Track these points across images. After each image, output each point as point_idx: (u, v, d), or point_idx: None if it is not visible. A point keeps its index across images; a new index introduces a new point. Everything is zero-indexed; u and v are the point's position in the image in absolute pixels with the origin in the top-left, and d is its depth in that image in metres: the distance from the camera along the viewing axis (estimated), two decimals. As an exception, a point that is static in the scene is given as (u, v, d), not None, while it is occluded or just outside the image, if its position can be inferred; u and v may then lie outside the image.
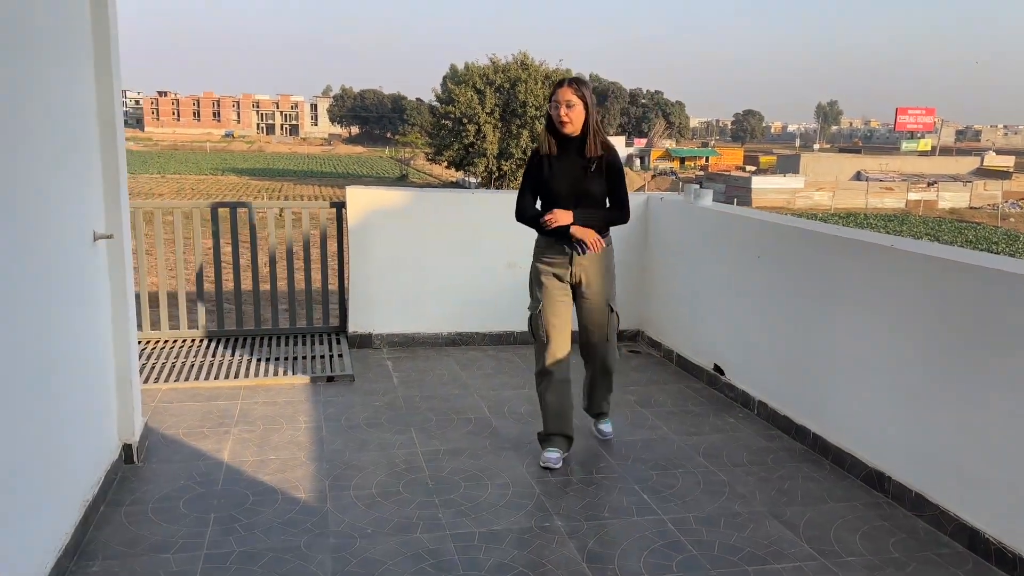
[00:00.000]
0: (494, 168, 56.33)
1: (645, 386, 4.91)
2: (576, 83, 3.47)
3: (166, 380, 4.54)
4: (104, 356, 3.20)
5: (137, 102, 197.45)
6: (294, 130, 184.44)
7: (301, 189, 59.79)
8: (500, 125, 56.34)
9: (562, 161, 3.51)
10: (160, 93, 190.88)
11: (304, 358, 5.07)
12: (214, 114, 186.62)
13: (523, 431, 4.04)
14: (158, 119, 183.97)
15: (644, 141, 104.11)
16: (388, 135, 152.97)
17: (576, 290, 3.70)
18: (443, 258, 5.51)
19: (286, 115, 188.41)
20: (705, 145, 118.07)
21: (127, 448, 3.38)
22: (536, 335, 3.67)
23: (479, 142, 55.66)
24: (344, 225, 5.49)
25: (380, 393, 4.56)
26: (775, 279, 4.30)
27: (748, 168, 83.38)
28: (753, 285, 4.50)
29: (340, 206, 5.47)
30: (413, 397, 4.51)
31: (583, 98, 3.45)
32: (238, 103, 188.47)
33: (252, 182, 65.65)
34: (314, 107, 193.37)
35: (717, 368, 4.88)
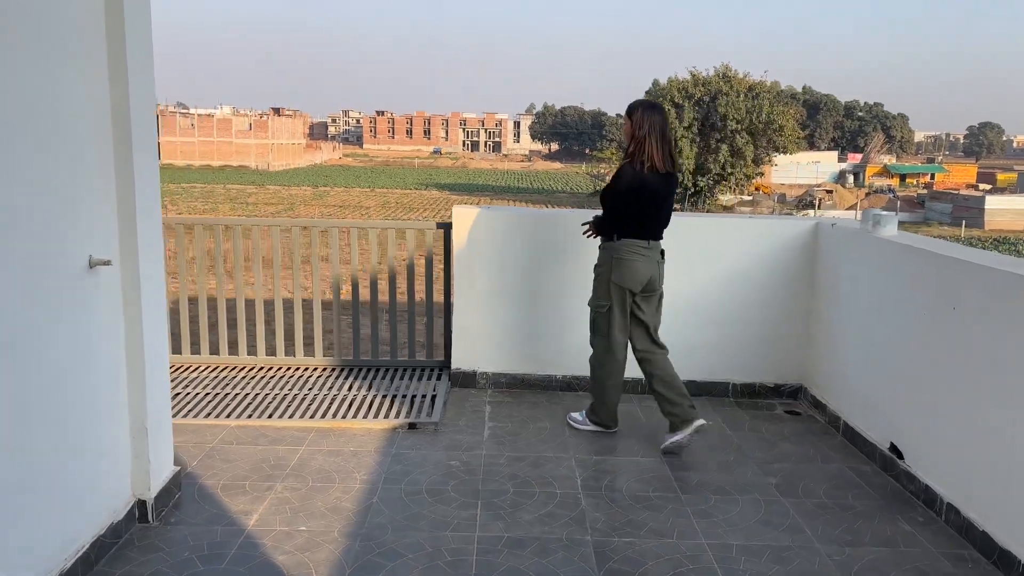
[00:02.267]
0: (689, 184, 54.44)
1: (795, 463, 3.87)
2: (628, 112, 4.00)
3: (238, 416, 4.17)
4: (108, 400, 2.79)
5: (358, 121, 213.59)
6: (497, 147, 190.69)
7: (497, 203, 61.14)
8: (698, 139, 54.39)
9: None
10: (378, 113, 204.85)
11: (395, 397, 4.53)
12: (425, 132, 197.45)
13: (614, 519, 3.21)
14: (375, 137, 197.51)
15: (859, 157, 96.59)
16: (587, 151, 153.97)
17: None
18: (562, 288, 4.77)
19: (490, 132, 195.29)
20: (931, 161, 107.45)
21: (141, 505, 2.97)
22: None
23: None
24: (451, 248, 4.92)
25: (462, 448, 3.90)
26: (979, 339, 3.14)
27: (982, 186, 74.63)
28: (948, 345, 3.35)
29: (447, 227, 4.90)
30: (498, 458, 3.80)
31: (633, 124, 3.95)
32: (447, 121, 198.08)
33: (452, 197, 68.15)
34: (517, 124, 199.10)
35: (894, 448, 3.74)
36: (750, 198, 59.98)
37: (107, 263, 2.63)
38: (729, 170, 53.21)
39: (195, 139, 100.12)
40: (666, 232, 4.05)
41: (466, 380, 4.84)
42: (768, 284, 4.81)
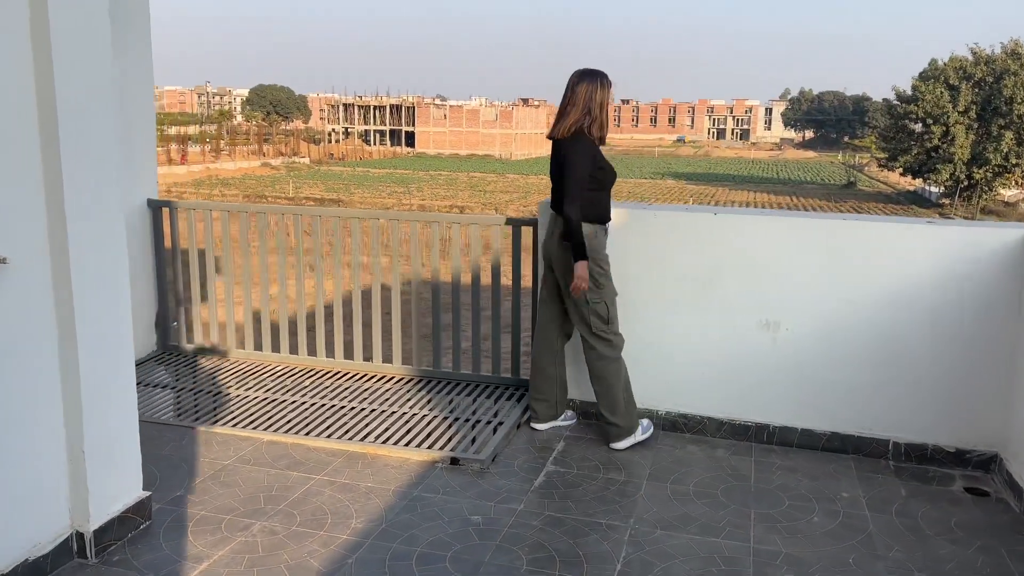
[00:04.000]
0: (962, 176, 48.06)
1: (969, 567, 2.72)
2: None
3: (276, 428, 3.79)
4: (38, 418, 2.47)
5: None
6: (745, 135, 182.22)
7: (732, 195, 58.12)
8: (975, 126, 47.75)
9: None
10: (623, 101, 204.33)
11: (459, 420, 3.92)
12: (670, 120, 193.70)
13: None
14: (618, 125, 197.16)
15: None
16: (845, 139, 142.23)
17: None
18: (661, 306, 3.87)
19: (738, 120, 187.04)
20: None
21: (80, 538, 2.63)
22: (618, 331, 3.69)
23: (945, 145, 47.93)
24: (521, 251, 4.20)
25: (498, 498, 3.20)
26: None
27: None
28: None
29: (518, 224, 4.18)
30: (535, 517, 3.06)
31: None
32: (693, 109, 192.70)
33: (688, 187, 65.94)
34: (769, 111, 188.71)
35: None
36: (1040, 193, 51.65)
37: (3, 261, 2.28)
38: (1014, 161, 46.12)
39: (446, 129, 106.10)
40: (813, 238, 3.69)
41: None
42: (954, 312, 3.55)
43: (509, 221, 4.24)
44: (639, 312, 3.93)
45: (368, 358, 4.64)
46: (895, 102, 52.09)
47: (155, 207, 4.71)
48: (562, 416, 3.97)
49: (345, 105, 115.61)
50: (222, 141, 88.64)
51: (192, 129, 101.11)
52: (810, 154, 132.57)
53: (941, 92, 47.85)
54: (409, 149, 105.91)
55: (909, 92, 50.57)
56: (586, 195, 3.51)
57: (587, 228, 3.53)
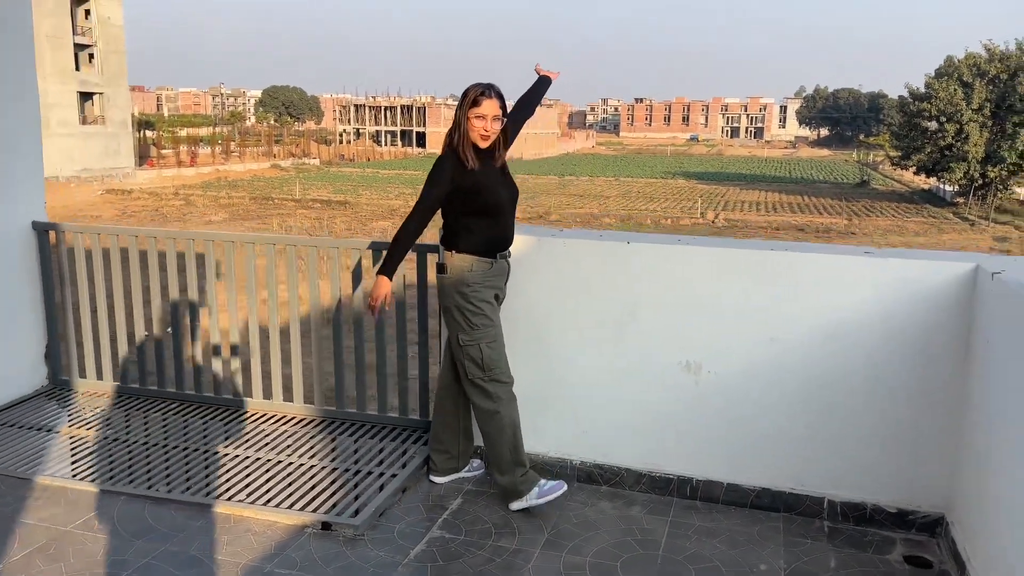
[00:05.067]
0: (976, 174, 47.20)
1: None
2: (500, 95, 3.21)
3: (136, 480, 3.42)
4: None
5: (616, 109, 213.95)
6: (759, 133, 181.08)
7: (743, 194, 57.41)
8: (990, 124, 46.86)
9: (487, 172, 3.22)
10: (637, 100, 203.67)
11: (347, 471, 3.53)
12: (683, 118, 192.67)
13: None
14: (632, 125, 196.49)
15: None
16: (860, 137, 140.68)
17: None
18: (575, 344, 3.47)
19: (752, 118, 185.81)
20: None
21: None
22: (501, 378, 3.26)
23: (959, 144, 47.09)
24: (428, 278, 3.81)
25: (363, 575, 2.81)
26: None
27: None
28: None
29: (421, 251, 3.78)
30: (394, 599, 2.67)
31: (505, 112, 3.23)
32: (707, 107, 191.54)
33: (699, 186, 65.26)
34: (783, 109, 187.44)
35: None
36: (1057, 193, 50.68)
37: None
38: (1030, 159, 45.24)
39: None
40: (739, 270, 3.29)
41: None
42: (896, 356, 3.13)
43: (372, 245, 3.83)
44: (550, 350, 3.54)
45: (267, 396, 4.25)
46: (909, 100, 51.28)
47: (41, 230, 4.35)
48: (466, 467, 3.59)
49: (356, 106, 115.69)
50: (232, 143, 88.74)
51: (204, 131, 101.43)
52: (824, 152, 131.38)
53: (955, 89, 47.02)
54: (420, 150, 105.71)
55: (923, 90, 49.76)
56: (463, 221, 3.17)
57: (464, 260, 3.17)
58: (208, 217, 40.90)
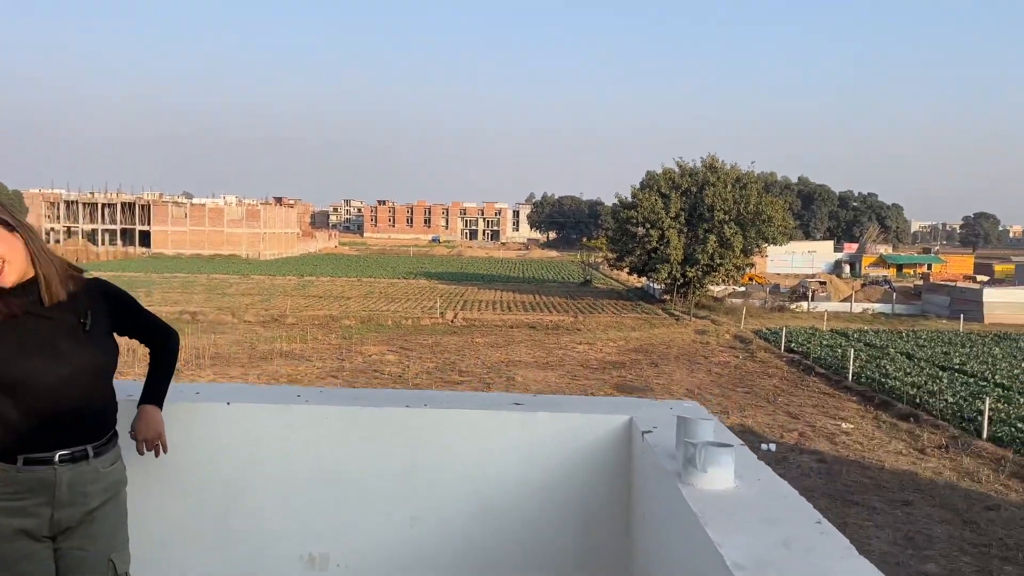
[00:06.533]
0: (678, 274, 52.81)
1: None
2: None
3: None
4: None
5: (359, 210, 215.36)
6: (496, 235, 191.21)
7: (481, 294, 59.40)
8: (686, 230, 53.03)
9: (20, 318, 2.06)
10: (380, 202, 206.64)
11: None
12: (425, 221, 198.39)
13: None
14: (376, 225, 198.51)
15: (855, 246, 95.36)
16: (584, 240, 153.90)
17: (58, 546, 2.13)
18: (171, 538, 2.65)
19: (489, 221, 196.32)
20: (927, 251, 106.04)
21: None
22: None
23: (663, 247, 52.60)
24: None
25: None
26: None
27: (979, 278, 72.84)
28: None
29: None
30: None
31: (11, 226, 2.06)
32: (447, 211, 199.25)
33: (439, 286, 66.53)
34: (516, 213, 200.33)
35: None
36: (743, 289, 58.23)
37: None
38: (718, 260, 51.58)
39: (187, 228, 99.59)
40: (364, 434, 2.69)
41: None
42: (555, 524, 2.70)
43: None
44: (139, 549, 2.67)
45: None
46: (620, 207, 56.78)
47: None
48: None
49: (67, 202, 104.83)
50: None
51: None
52: (553, 253, 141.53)
53: (656, 199, 52.79)
54: (144, 249, 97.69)
55: (630, 199, 55.40)
56: None
57: None
58: None
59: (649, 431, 2.50)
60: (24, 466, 2.09)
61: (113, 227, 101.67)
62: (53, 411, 2.09)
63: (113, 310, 2.30)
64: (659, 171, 55.80)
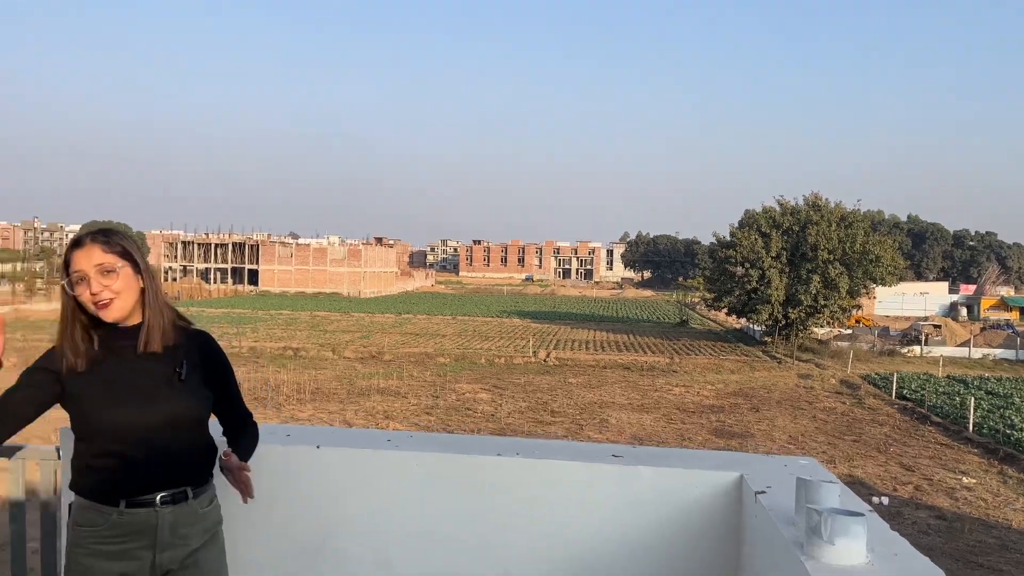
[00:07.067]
0: (779, 316, 51.09)
1: None
2: (105, 236, 2.10)
3: None
4: None
5: (455, 250, 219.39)
6: (589, 274, 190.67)
7: (574, 333, 59.03)
8: (787, 270, 51.37)
9: (119, 362, 2.10)
10: (475, 242, 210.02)
11: None
12: (519, 260, 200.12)
13: None
14: (471, 264, 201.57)
15: (972, 288, 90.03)
16: (679, 280, 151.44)
17: None
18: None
19: (582, 260, 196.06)
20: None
21: None
22: None
23: (763, 287, 51.07)
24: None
25: None
26: None
27: (1117, 320, 67.27)
28: None
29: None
30: None
31: (125, 255, 2.11)
32: (540, 250, 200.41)
33: (532, 325, 66.59)
34: (610, 252, 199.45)
35: None
36: (849, 331, 55.75)
37: None
38: (823, 302, 49.62)
39: (292, 267, 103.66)
40: (454, 479, 2.59)
41: None
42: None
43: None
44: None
45: None
46: (717, 247, 55.62)
47: None
48: None
49: (184, 243, 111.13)
50: (39, 279, 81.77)
51: (7, 267, 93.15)
52: (648, 293, 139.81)
53: (755, 238, 51.43)
54: (252, 287, 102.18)
55: (728, 238, 54.19)
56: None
57: (77, 502, 2.16)
58: (-7, 362, 36.46)
59: (763, 491, 2.28)
60: (127, 508, 2.10)
61: (224, 266, 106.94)
62: (148, 457, 2.10)
63: (208, 366, 2.27)
64: (758, 209, 54.45)
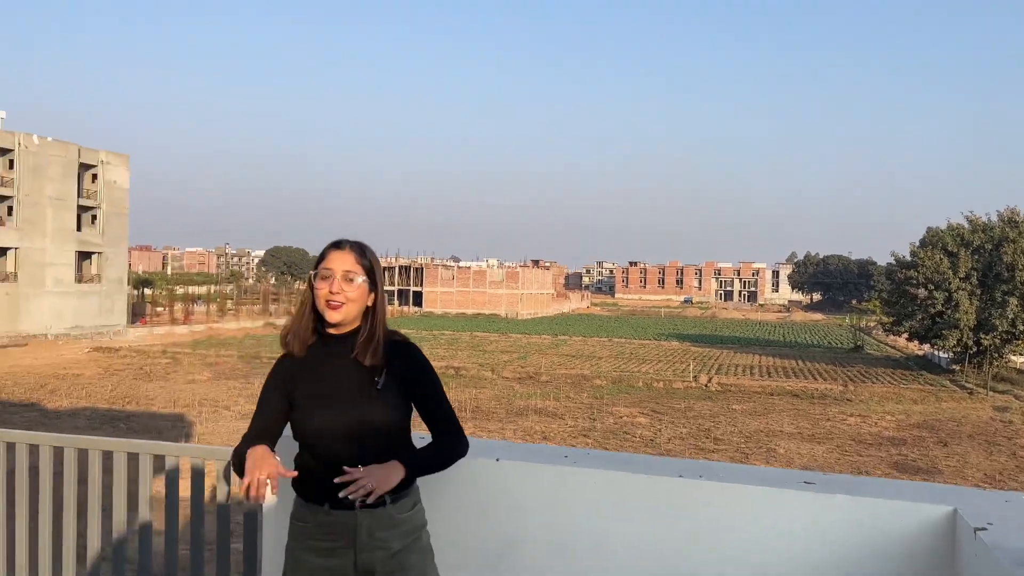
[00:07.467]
0: (970, 342, 46.84)
1: None
2: (361, 249, 2.30)
3: None
4: None
5: (611, 272, 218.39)
6: (752, 297, 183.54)
7: (737, 358, 56.87)
8: (979, 292, 47.07)
9: (325, 366, 2.26)
10: (631, 263, 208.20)
11: None
12: (677, 281, 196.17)
13: None
14: (627, 286, 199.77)
15: None
16: (853, 302, 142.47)
17: None
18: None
19: (745, 282, 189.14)
20: None
21: None
22: None
23: (949, 311, 47.06)
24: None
25: None
26: None
27: None
28: None
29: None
30: None
31: (369, 271, 2.28)
32: (700, 271, 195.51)
33: (692, 348, 64.89)
34: (775, 273, 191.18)
35: None
36: (1054, 360, 50.17)
37: None
38: (1022, 327, 45.02)
39: (453, 289, 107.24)
40: (642, 501, 2.51)
41: None
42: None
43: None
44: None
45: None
46: (896, 267, 51.90)
47: None
48: None
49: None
50: (229, 300, 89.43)
51: (203, 289, 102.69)
52: (818, 316, 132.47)
53: (940, 258, 47.60)
54: (417, 308, 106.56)
55: (909, 258, 50.46)
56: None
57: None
58: (192, 376, 40.09)
59: (983, 528, 2.05)
60: (332, 509, 2.21)
61: (391, 288, 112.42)
62: (345, 462, 2.15)
63: (410, 377, 2.31)
64: (943, 227, 50.34)
